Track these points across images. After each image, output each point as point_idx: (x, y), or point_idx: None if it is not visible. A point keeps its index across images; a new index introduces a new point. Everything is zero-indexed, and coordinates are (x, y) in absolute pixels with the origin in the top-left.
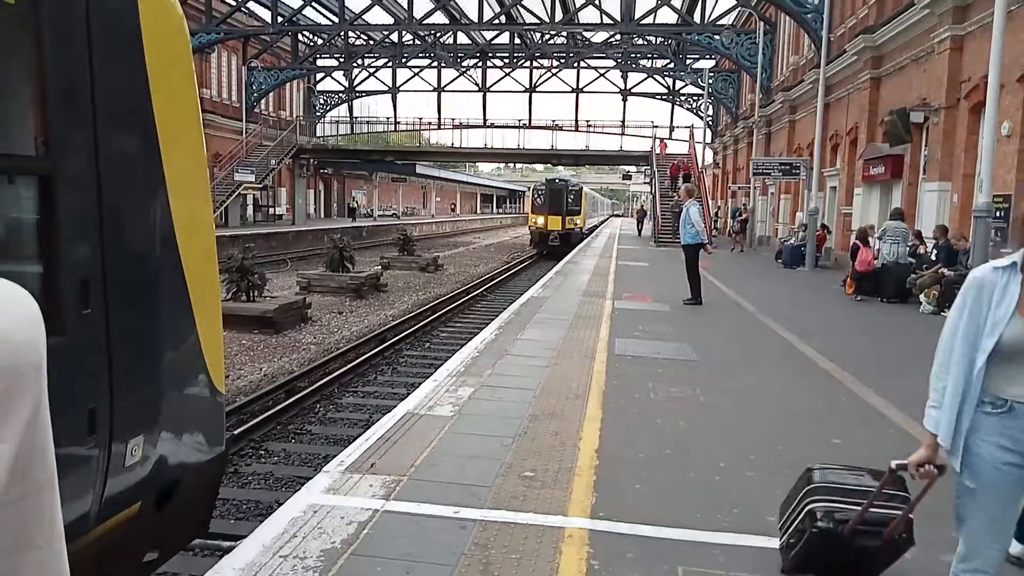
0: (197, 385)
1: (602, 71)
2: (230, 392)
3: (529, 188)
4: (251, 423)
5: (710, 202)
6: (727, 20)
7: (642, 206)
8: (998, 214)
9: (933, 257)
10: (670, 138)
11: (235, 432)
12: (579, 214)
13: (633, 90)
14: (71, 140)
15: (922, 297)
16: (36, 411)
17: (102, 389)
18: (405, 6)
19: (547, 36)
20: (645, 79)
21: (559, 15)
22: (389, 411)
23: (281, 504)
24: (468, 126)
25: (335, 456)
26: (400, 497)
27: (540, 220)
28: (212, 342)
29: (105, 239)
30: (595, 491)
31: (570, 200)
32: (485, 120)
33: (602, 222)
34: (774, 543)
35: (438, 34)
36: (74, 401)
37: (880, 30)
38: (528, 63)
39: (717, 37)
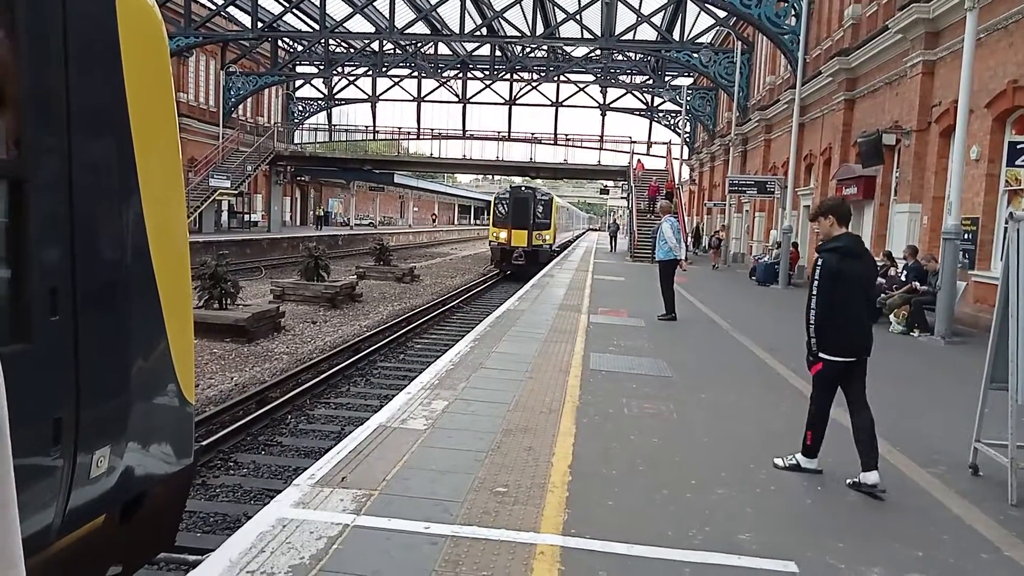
0: (166, 395)
1: (582, 85)
2: (199, 402)
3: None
4: (220, 434)
5: (686, 218)
6: (706, 39)
7: (615, 220)
8: (966, 236)
9: (903, 278)
10: (647, 153)
11: (204, 443)
12: (549, 228)
13: (612, 105)
14: (44, 144)
15: (892, 317)
16: None
17: (69, 398)
18: (386, 15)
19: (528, 49)
20: (624, 94)
21: (540, 29)
22: (361, 423)
23: (250, 517)
24: (447, 137)
25: (305, 469)
26: (371, 512)
27: (503, 235)
28: (183, 351)
29: (76, 245)
30: (568, 507)
31: (539, 212)
32: (464, 131)
33: (577, 237)
34: (744, 562)
35: (419, 44)
36: (39, 410)
37: (855, 53)
38: (508, 75)
39: (696, 55)
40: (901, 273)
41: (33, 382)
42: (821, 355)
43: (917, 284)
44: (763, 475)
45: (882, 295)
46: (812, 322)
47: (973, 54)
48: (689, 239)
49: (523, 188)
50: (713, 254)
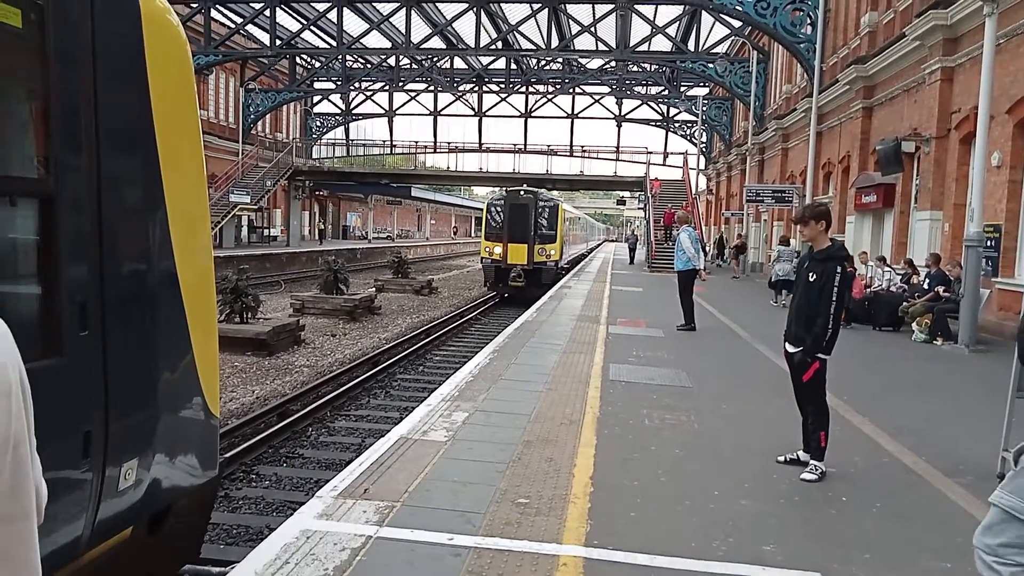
0: (192, 408)
1: (597, 97)
2: (222, 415)
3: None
4: (243, 446)
5: (703, 228)
6: (721, 49)
7: (633, 231)
8: (989, 243)
9: (926, 286)
10: (664, 163)
11: (226, 455)
12: (554, 241)
13: (628, 116)
14: (73, 163)
15: (914, 326)
16: (6, 443)
17: (98, 412)
18: (402, 31)
19: (543, 62)
20: (640, 105)
21: (555, 42)
22: (382, 435)
23: (273, 529)
24: (463, 150)
25: (328, 481)
26: (394, 523)
27: (497, 250)
28: (208, 365)
29: (104, 261)
30: (589, 518)
31: (542, 222)
32: (481, 144)
33: (592, 249)
34: (769, 573)
35: (435, 58)
36: (70, 424)
37: (872, 60)
38: (524, 88)
39: (711, 65)
40: (924, 281)
41: (63, 396)
42: (821, 356)
43: (941, 289)
44: (786, 486)
45: (904, 303)
46: (831, 327)
47: (993, 60)
48: (711, 250)
49: (521, 193)
50: (733, 264)
